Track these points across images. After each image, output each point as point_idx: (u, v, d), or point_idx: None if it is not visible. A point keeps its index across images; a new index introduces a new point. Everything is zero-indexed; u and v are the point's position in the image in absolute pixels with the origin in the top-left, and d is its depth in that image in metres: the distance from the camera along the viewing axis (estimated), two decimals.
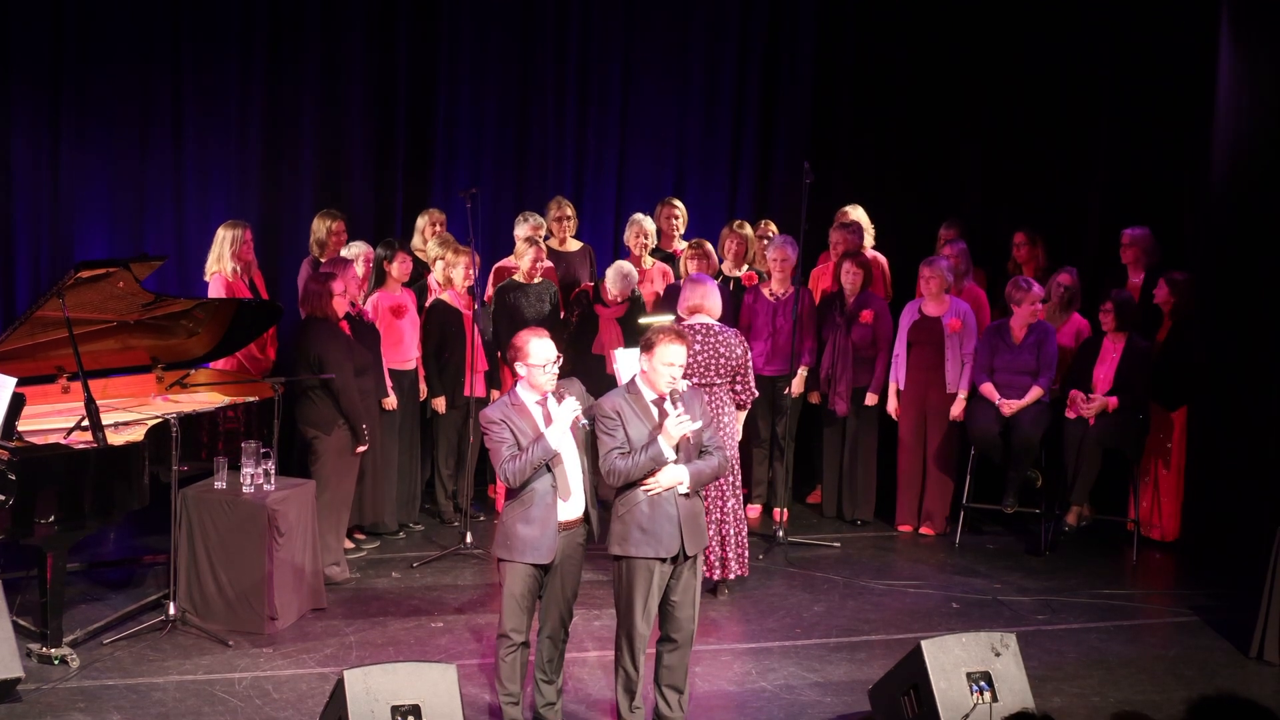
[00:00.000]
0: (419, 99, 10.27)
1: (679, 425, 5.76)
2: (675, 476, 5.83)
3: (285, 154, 9.96)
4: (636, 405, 5.87)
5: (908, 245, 10.02)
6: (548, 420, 5.85)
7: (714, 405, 7.54)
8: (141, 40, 9.52)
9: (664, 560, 5.82)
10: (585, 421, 5.91)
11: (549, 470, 5.82)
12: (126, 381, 7.99)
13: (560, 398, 5.86)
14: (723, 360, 7.57)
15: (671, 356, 5.82)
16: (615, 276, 9.04)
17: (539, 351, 5.86)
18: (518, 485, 5.81)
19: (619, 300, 9.04)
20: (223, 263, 8.71)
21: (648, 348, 5.89)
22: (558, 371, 5.92)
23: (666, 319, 7.80)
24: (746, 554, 7.84)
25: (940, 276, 8.98)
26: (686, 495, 5.86)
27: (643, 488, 5.81)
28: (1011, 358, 8.78)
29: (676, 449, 5.81)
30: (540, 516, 5.83)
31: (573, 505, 5.93)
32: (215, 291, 8.67)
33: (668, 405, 5.82)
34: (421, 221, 9.42)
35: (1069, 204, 10.31)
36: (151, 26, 9.55)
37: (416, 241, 9.32)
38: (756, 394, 7.78)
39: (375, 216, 10.11)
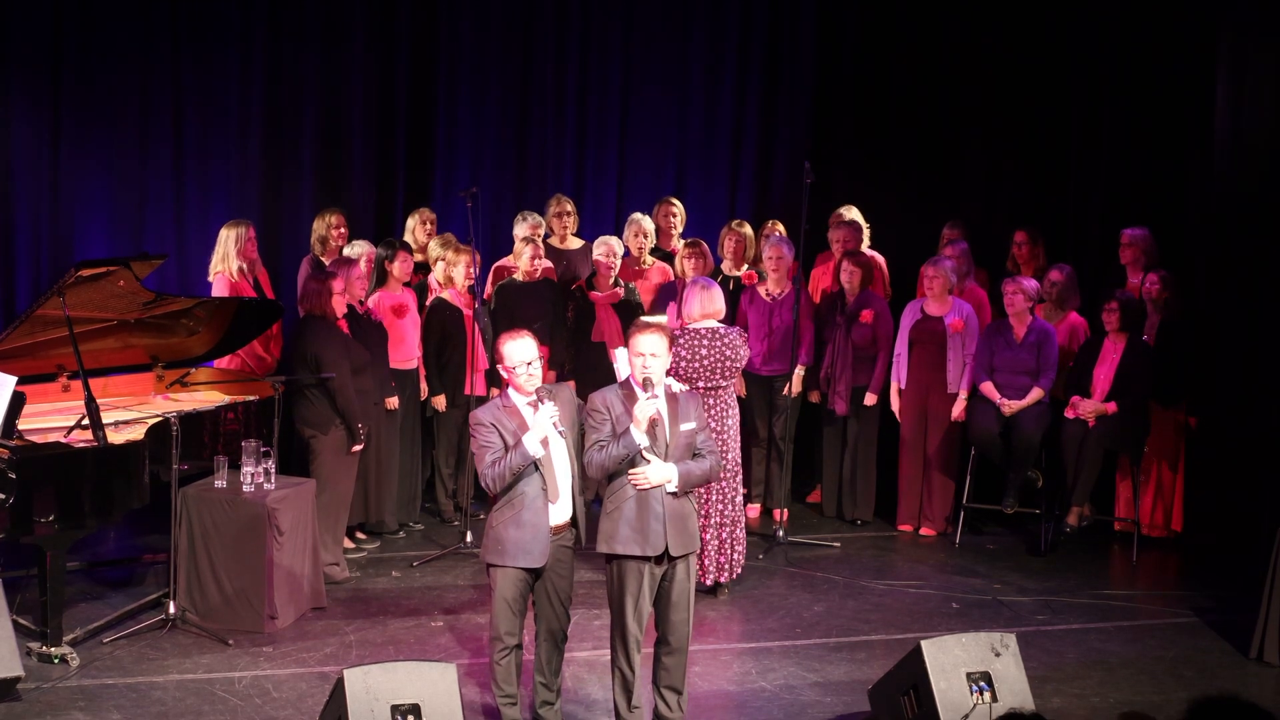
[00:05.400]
0: (419, 99, 10.27)
1: (645, 406, 5.75)
2: (664, 474, 5.82)
3: (285, 154, 9.96)
4: (628, 402, 5.86)
5: (909, 246, 10.02)
6: None
7: (719, 407, 7.55)
8: (141, 40, 9.52)
9: (650, 559, 5.81)
10: (562, 429, 5.85)
11: (539, 474, 5.81)
12: (127, 380, 7.98)
13: (537, 405, 5.84)
14: (729, 362, 7.58)
15: (642, 346, 5.83)
16: (597, 243, 9.13)
17: (514, 353, 5.82)
18: (499, 490, 5.80)
19: (609, 270, 9.04)
20: (228, 262, 8.70)
21: (628, 340, 5.93)
22: (539, 371, 5.89)
23: (664, 319, 7.80)
24: (742, 556, 7.84)
25: (944, 276, 8.98)
26: (675, 495, 5.85)
27: (631, 483, 5.81)
28: (1011, 357, 8.77)
29: (654, 439, 5.77)
30: (531, 520, 5.81)
31: (561, 508, 5.91)
32: (219, 291, 8.66)
33: (638, 390, 5.82)
34: (412, 221, 9.43)
35: (1069, 204, 10.30)
36: (151, 26, 9.55)
37: (409, 241, 9.31)
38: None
39: (375, 216, 10.11)
